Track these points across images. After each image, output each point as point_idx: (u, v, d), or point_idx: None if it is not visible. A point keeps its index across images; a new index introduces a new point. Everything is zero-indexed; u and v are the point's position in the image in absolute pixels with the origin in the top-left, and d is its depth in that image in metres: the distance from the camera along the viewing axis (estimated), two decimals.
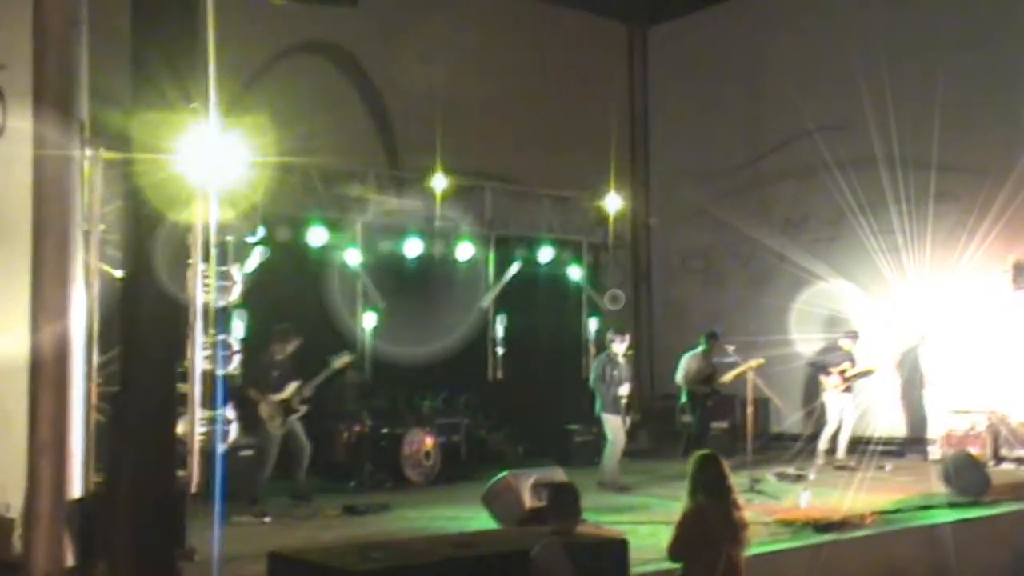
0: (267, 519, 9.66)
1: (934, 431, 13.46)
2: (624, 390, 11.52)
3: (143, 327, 5.44)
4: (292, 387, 10.51)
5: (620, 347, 11.70)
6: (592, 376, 11.86)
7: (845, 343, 13.21)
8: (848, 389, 13.04)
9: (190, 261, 7.47)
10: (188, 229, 7.21)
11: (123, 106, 5.24)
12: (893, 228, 14.07)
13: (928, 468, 12.01)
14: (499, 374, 14.16)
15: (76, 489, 6.94)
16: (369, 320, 12.87)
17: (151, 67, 5.23)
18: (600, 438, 14.36)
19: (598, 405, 11.77)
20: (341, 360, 10.85)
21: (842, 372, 13.00)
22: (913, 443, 13.66)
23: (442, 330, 12.91)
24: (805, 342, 14.30)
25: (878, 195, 14.11)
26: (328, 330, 12.12)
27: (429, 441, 12.08)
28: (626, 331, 12.10)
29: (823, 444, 12.98)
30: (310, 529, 9.28)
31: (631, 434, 12.35)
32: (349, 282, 12.90)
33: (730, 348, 12.15)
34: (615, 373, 11.56)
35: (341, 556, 5.50)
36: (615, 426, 11.58)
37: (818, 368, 13.36)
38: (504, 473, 9.04)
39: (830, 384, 13.06)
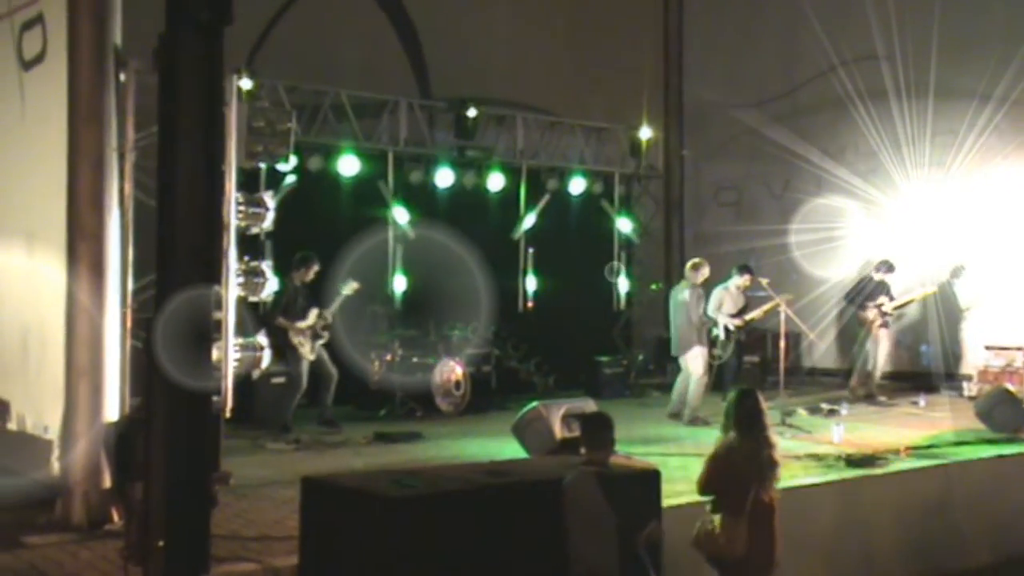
0: (299, 445, 9.76)
1: (970, 367, 13.36)
2: (722, 320, 11.91)
3: (178, 253, 5.42)
4: (314, 313, 10.66)
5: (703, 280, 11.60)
6: (701, 310, 11.41)
7: (880, 275, 13.04)
8: (885, 324, 12.92)
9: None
10: (222, 157, 7.17)
11: (157, 30, 5.16)
12: (931, 160, 13.84)
13: (963, 404, 11.94)
14: (529, 305, 14.17)
15: (112, 412, 7.01)
16: (399, 250, 12.88)
17: None
18: (630, 369, 14.50)
19: (689, 338, 11.35)
20: (350, 287, 10.87)
21: (879, 306, 12.87)
22: (948, 379, 13.55)
23: (473, 260, 12.87)
24: (838, 276, 14.19)
25: (917, 126, 13.84)
26: (359, 259, 12.10)
27: (459, 371, 12.12)
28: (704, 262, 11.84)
29: (857, 379, 12.93)
30: (342, 456, 9.36)
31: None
32: (381, 213, 12.87)
33: (764, 282, 12.04)
34: (702, 304, 11.51)
35: (375, 481, 5.52)
36: (706, 359, 11.45)
37: (854, 303, 13.20)
38: (535, 403, 9.05)
39: (868, 318, 12.93)
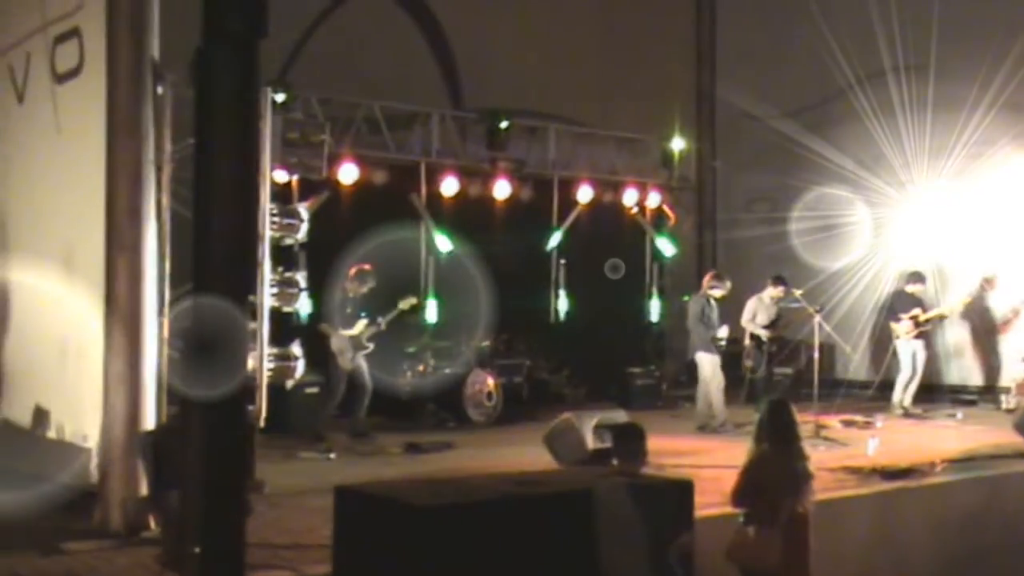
0: (332, 455, 9.81)
1: (1007, 379, 13.21)
2: (724, 332, 11.77)
3: (214, 264, 5.49)
4: (361, 324, 10.73)
5: (720, 292, 11.84)
6: (690, 317, 11.85)
7: (911, 287, 12.95)
8: (920, 335, 12.81)
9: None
10: (257, 169, 7.25)
11: (193, 43, 5.23)
12: (965, 172, 13.72)
13: (1000, 417, 11.79)
14: (561, 316, 14.16)
15: (150, 421, 7.09)
16: (432, 262, 12.92)
17: (221, 4, 5.22)
18: (662, 380, 14.47)
19: (694, 344, 11.83)
20: (408, 301, 11.02)
21: (914, 317, 12.76)
22: (985, 392, 13.40)
23: (504, 272, 12.90)
24: (873, 289, 14.11)
25: (952, 137, 13.73)
26: (392, 271, 12.15)
27: (491, 382, 12.14)
28: (726, 277, 12.05)
29: (898, 393, 12.82)
30: (374, 465, 9.41)
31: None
32: (413, 224, 12.91)
33: (798, 293, 12.00)
34: (712, 315, 11.71)
35: (407, 490, 5.55)
36: (713, 364, 11.61)
37: (888, 314, 13.11)
38: (566, 414, 9.04)
39: (901, 330, 12.83)
